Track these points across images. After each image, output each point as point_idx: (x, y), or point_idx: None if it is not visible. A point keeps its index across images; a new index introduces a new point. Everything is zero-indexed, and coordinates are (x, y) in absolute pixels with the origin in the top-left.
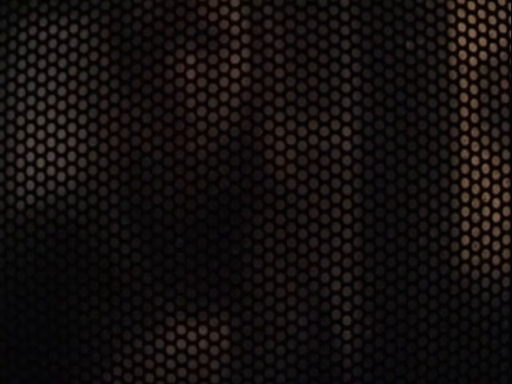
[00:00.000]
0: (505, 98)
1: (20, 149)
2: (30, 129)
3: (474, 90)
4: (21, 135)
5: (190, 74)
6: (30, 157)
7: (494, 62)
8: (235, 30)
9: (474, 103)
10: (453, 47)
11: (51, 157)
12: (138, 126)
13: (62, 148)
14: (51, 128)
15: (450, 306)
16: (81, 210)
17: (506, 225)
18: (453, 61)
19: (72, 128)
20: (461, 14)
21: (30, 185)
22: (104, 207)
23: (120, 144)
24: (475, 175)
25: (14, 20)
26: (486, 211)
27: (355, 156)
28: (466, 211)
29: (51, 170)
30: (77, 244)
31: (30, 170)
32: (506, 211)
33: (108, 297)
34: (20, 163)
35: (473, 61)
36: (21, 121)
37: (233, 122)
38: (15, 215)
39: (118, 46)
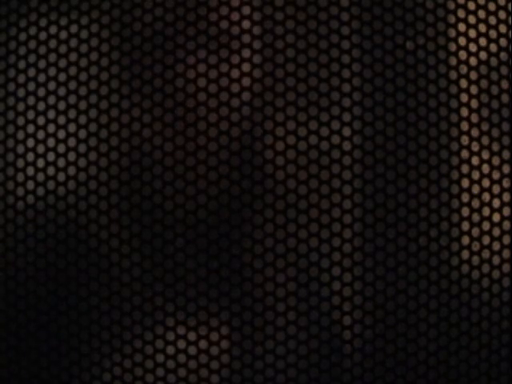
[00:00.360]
0: (505, 98)
1: (20, 149)
2: (30, 129)
3: (474, 90)
4: (21, 135)
5: (190, 74)
6: (30, 157)
7: (493, 62)
8: (235, 29)
9: (474, 103)
10: (453, 47)
11: (51, 157)
12: (138, 125)
13: (61, 148)
14: (51, 128)
15: (449, 306)
16: (81, 209)
17: (506, 225)
18: (453, 61)
19: (72, 128)
20: (461, 14)
21: (30, 185)
22: (104, 207)
23: (120, 144)
24: (475, 175)
25: (13, 20)
26: (486, 211)
27: (355, 156)
28: (466, 211)
29: (51, 170)
30: (77, 244)
31: (30, 170)
32: (506, 211)
33: (108, 297)
34: (20, 163)
35: (473, 61)
36: (21, 121)
37: (233, 121)
38: (15, 215)
39: (118, 46)
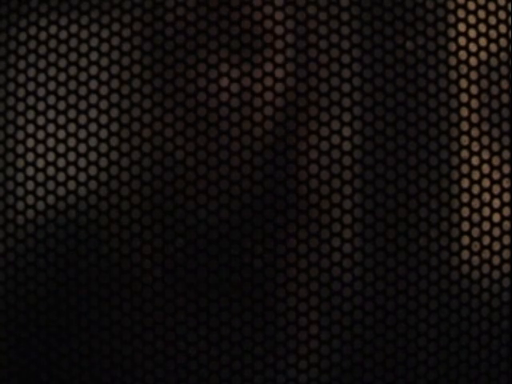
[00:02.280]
0: (505, 98)
1: (20, 149)
2: (30, 129)
3: (474, 90)
4: (21, 135)
5: (190, 74)
6: (30, 157)
7: (494, 62)
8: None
9: (474, 103)
10: (453, 47)
11: (51, 157)
12: (138, 125)
13: (61, 148)
14: (51, 128)
15: (449, 306)
16: (81, 210)
17: (506, 225)
18: (453, 61)
19: (72, 128)
20: (461, 13)
21: (30, 185)
22: (104, 207)
23: (120, 144)
24: (475, 175)
25: (14, 20)
26: (486, 211)
27: (355, 156)
28: (465, 211)
29: (51, 170)
30: (76, 244)
31: (30, 170)
32: (506, 211)
33: (108, 297)
34: (20, 163)
35: (473, 61)
36: (21, 121)
37: (233, 122)
38: (15, 215)
39: (118, 46)
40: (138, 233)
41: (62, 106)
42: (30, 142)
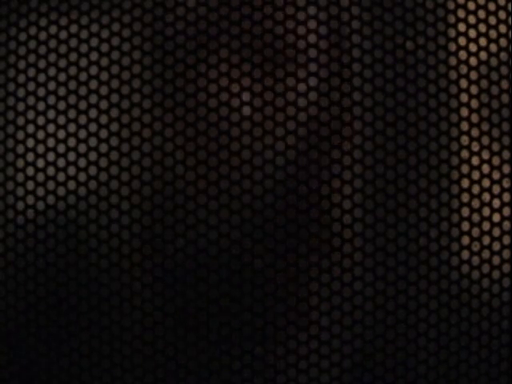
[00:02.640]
0: (505, 98)
1: (20, 149)
2: (30, 129)
3: (474, 90)
4: (21, 135)
5: (190, 74)
6: (30, 157)
7: (494, 61)
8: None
9: (474, 103)
10: (453, 47)
11: (51, 157)
12: (138, 125)
13: (61, 148)
14: (51, 128)
15: (449, 306)
16: (81, 210)
17: (506, 225)
18: (453, 61)
19: (72, 128)
20: (461, 14)
21: (30, 185)
22: (104, 207)
23: (120, 144)
24: (475, 175)
25: (13, 20)
26: (486, 211)
27: (355, 156)
28: (465, 211)
29: (51, 170)
30: (76, 244)
31: (30, 170)
32: (506, 211)
33: (108, 297)
34: (20, 163)
35: (473, 61)
36: (21, 121)
37: (233, 122)
38: (15, 215)
39: (118, 46)
40: (138, 233)
41: (62, 106)
42: (30, 142)
